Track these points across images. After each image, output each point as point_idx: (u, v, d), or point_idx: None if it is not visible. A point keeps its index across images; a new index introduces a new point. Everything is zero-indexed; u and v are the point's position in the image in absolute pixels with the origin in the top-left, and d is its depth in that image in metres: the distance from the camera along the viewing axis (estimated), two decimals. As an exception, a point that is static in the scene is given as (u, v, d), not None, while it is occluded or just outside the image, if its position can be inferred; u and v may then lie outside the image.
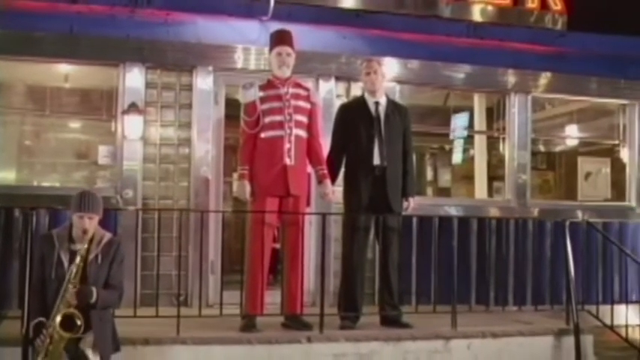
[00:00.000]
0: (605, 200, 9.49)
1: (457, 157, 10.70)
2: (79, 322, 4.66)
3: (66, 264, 4.85)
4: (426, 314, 6.57)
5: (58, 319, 4.66)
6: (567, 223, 6.99)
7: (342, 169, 6.71)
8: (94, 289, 4.80)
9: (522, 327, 6.75)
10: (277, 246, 7.04)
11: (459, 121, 9.82)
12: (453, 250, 6.75)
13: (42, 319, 4.77)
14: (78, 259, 4.79)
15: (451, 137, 10.24)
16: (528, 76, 8.81)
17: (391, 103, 6.76)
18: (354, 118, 6.61)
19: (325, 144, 6.68)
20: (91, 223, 4.92)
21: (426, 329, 6.40)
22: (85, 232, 4.87)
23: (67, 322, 4.67)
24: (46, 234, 5.27)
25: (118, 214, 6.81)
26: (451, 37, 8.79)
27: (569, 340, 6.63)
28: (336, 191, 6.64)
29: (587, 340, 6.69)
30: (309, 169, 6.56)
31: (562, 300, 7.10)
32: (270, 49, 6.46)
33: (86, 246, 4.86)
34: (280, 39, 6.41)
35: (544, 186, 11.48)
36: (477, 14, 9.42)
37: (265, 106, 6.26)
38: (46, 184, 8.98)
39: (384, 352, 6.17)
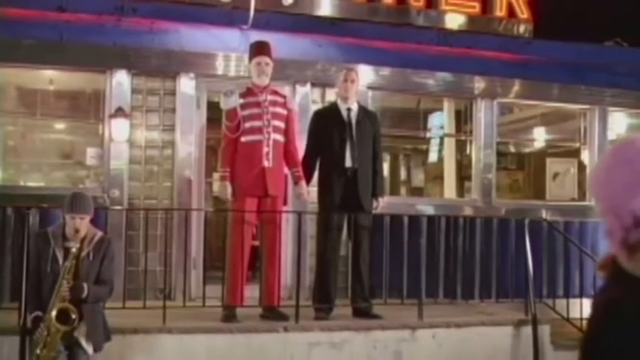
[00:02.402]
0: (572, 200, 9.78)
1: (434, 156, 10.94)
2: (73, 316, 4.98)
3: (60, 260, 5.17)
4: (394, 306, 6.98)
5: (54, 313, 4.96)
6: (526, 221, 7.44)
7: (317, 171, 7.08)
8: (85, 285, 5.10)
9: (484, 318, 7.19)
10: (256, 243, 7.33)
11: (436, 121, 10.13)
12: (421, 247, 7.17)
13: (39, 313, 5.10)
14: (70, 258, 5.09)
15: (428, 136, 10.56)
16: (494, 83, 9.08)
17: (362, 110, 7.17)
18: (328, 124, 7.00)
19: (301, 147, 7.05)
20: (82, 223, 5.22)
21: (394, 320, 6.79)
22: (77, 231, 5.18)
23: (63, 316, 4.98)
24: (42, 231, 5.57)
25: (105, 213, 7.02)
26: (422, 45, 9.06)
27: (527, 330, 7.06)
28: (310, 191, 7.05)
29: (544, 330, 7.14)
30: (286, 170, 6.93)
31: (524, 294, 7.47)
32: (250, 59, 6.83)
33: (78, 245, 5.15)
34: (259, 49, 6.78)
35: (513, 186, 11.78)
36: (447, 22, 9.75)
37: (245, 112, 6.63)
38: (37, 183, 9.21)
39: (355, 340, 6.55)
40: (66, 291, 5.03)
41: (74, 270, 5.12)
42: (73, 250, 5.14)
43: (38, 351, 5.01)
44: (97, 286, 5.25)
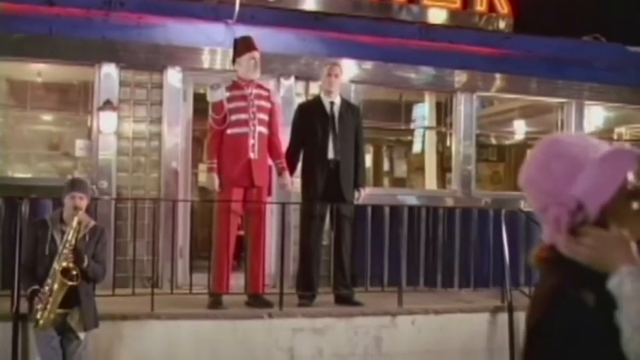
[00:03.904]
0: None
1: (416, 147, 11.04)
2: (75, 272, 5.12)
3: (58, 242, 5.30)
4: (375, 293, 7.18)
5: (64, 264, 5.09)
6: (503, 211, 7.65)
7: (300, 163, 7.24)
8: (85, 256, 5.26)
9: (462, 305, 7.40)
10: (242, 233, 7.43)
11: (420, 111, 10.28)
12: (401, 237, 7.35)
13: (36, 286, 5.24)
14: (75, 223, 5.21)
15: (412, 127, 10.71)
16: (475, 77, 9.21)
17: (345, 103, 7.34)
18: (311, 116, 7.17)
19: (284, 139, 7.21)
20: (81, 202, 5.40)
21: (375, 306, 6.96)
22: (76, 208, 5.33)
23: (66, 274, 5.13)
24: (41, 219, 5.73)
25: (94, 203, 7.17)
26: (404, 39, 9.19)
27: (503, 317, 7.24)
28: (294, 182, 7.22)
29: (520, 317, 7.26)
30: (270, 162, 7.09)
31: (501, 282, 7.64)
32: (240, 54, 6.91)
33: (77, 218, 5.26)
34: (250, 45, 6.91)
35: (494, 177, 12.00)
36: (428, 17, 9.92)
37: (232, 105, 6.79)
38: (26, 175, 9.33)
39: (337, 326, 6.72)
40: (69, 253, 5.15)
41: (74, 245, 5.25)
42: (76, 219, 5.24)
43: (38, 315, 5.14)
44: (94, 262, 5.39)
